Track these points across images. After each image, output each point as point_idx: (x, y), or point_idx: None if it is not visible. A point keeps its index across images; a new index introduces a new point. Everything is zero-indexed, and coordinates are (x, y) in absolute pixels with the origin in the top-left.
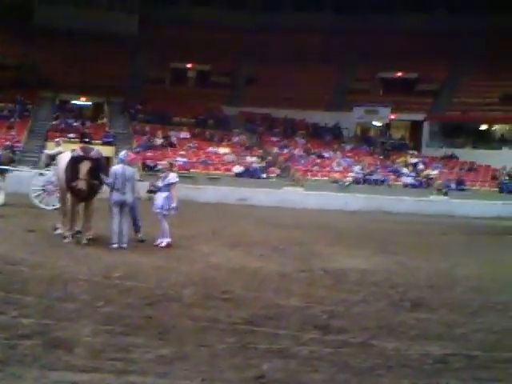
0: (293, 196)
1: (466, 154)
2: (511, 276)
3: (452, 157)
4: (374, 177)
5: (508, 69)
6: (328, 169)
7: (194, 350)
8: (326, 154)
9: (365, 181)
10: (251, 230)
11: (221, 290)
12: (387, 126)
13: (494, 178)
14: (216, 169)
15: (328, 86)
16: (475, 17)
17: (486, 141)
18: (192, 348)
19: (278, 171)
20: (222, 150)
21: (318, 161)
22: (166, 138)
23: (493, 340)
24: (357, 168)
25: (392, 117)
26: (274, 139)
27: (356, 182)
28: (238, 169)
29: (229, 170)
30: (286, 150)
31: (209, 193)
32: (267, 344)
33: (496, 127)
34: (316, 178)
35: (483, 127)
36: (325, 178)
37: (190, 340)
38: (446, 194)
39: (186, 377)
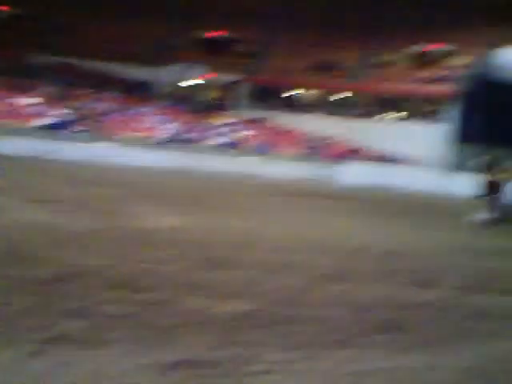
0: (103, 152)
1: (278, 118)
2: (310, 236)
3: (263, 119)
4: (188, 135)
5: (317, 35)
6: (141, 125)
7: None
8: (139, 110)
9: (178, 139)
10: (56, 186)
11: (19, 247)
12: (203, 86)
13: (303, 141)
14: (19, 120)
15: (145, 41)
16: None
17: (295, 105)
18: None
19: (87, 125)
20: (27, 100)
21: (131, 116)
22: None
23: (292, 297)
24: (170, 126)
25: (208, 76)
26: (85, 92)
27: (169, 140)
28: (43, 121)
29: (33, 121)
30: (96, 104)
31: (9, 146)
32: (65, 304)
33: (306, 93)
34: (128, 133)
35: (293, 92)
36: (137, 134)
37: None
38: (257, 154)
39: None
